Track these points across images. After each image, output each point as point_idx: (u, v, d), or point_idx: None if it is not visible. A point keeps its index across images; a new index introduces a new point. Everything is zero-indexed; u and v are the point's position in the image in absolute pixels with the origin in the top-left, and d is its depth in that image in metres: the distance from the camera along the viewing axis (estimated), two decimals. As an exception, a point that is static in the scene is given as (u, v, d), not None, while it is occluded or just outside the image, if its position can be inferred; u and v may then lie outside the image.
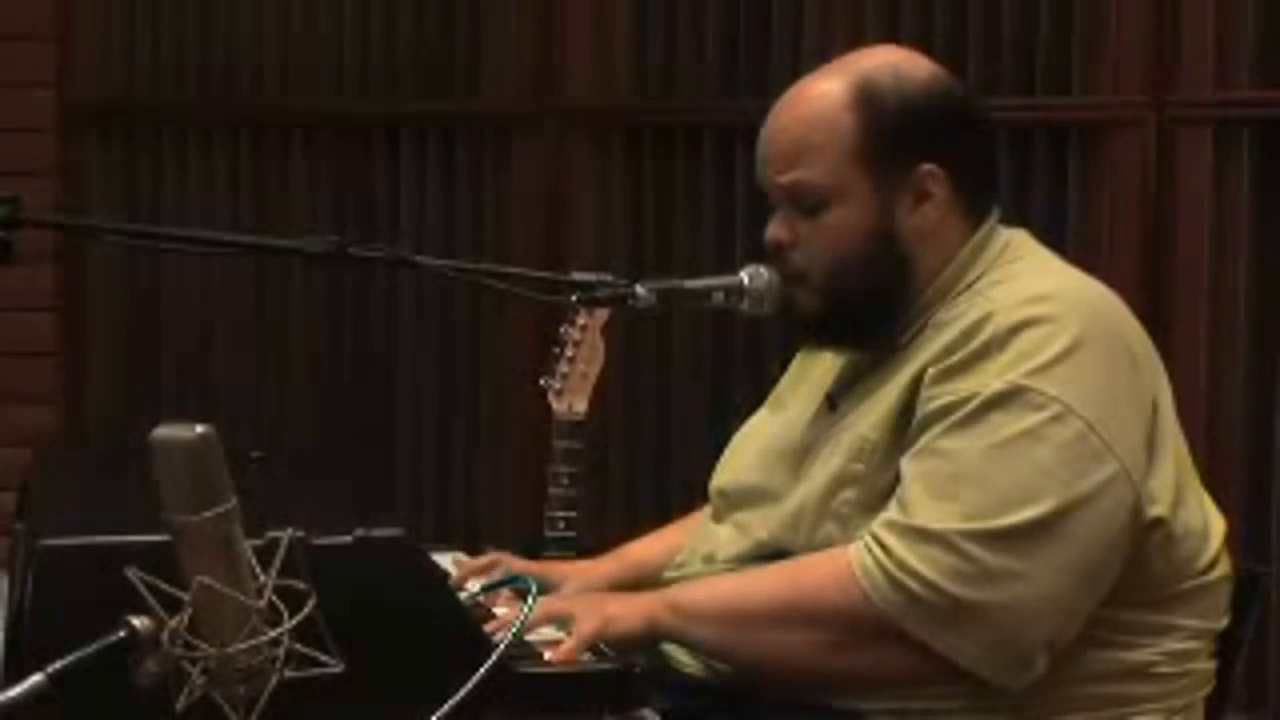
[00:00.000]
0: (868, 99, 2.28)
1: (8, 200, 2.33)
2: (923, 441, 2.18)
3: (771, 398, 2.55)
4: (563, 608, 2.22)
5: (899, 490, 2.17)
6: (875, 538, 2.15)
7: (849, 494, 2.24)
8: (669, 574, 2.45)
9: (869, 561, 2.14)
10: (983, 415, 2.15)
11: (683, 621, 2.24)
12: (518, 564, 2.52)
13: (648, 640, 2.27)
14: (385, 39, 4.76)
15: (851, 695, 2.19)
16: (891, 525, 2.15)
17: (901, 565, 2.12)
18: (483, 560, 2.53)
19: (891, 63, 2.33)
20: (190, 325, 4.89)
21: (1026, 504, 2.12)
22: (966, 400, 2.16)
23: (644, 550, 2.62)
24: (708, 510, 2.52)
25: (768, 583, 2.24)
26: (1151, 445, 2.20)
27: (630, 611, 2.24)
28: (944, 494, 2.13)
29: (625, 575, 2.54)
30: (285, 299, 4.84)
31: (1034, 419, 2.14)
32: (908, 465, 2.18)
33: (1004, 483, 2.13)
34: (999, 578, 2.11)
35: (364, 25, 4.77)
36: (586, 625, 2.16)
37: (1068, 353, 2.16)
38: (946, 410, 2.17)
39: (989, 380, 2.16)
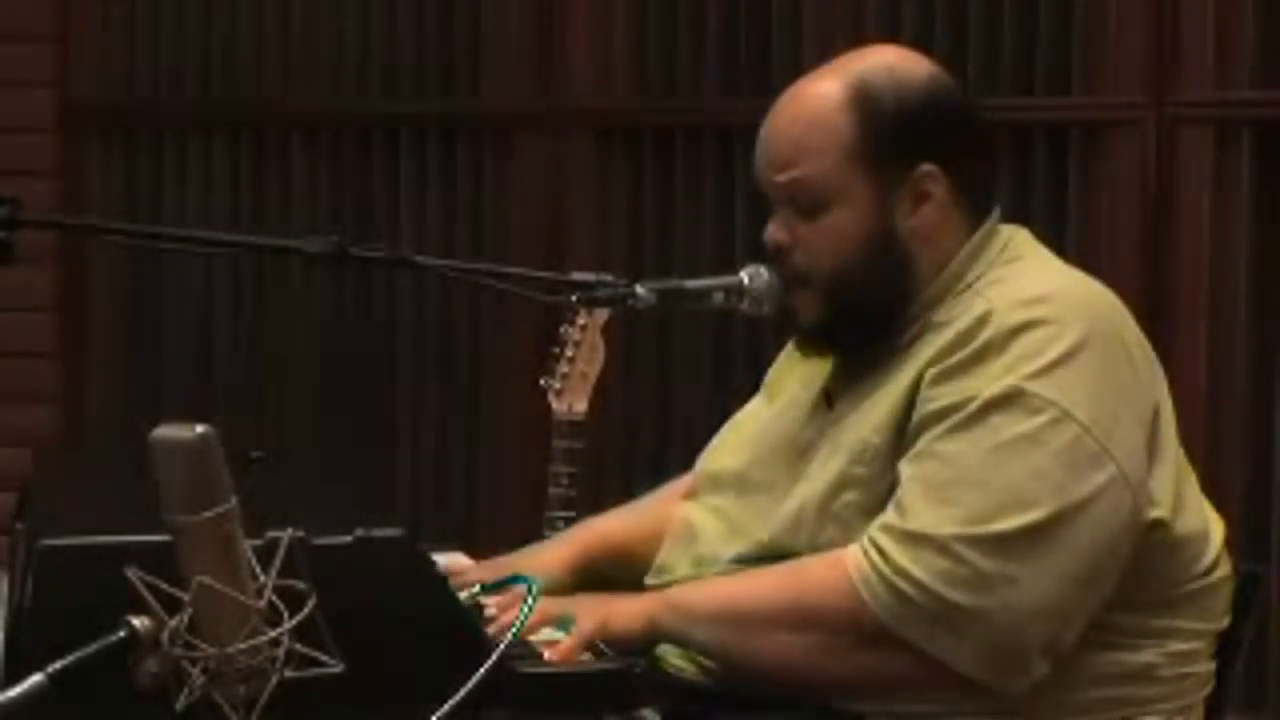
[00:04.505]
0: (865, 100, 2.27)
1: (8, 200, 2.33)
2: (921, 444, 2.17)
3: (765, 385, 2.54)
4: (562, 608, 2.22)
5: (897, 493, 2.17)
6: (872, 542, 2.14)
7: (850, 497, 2.23)
8: (650, 581, 2.43)
9: (865, 566, 2.13)
10: (981, 418, 2.14)
11: (683, 621, 2.24)
12: (463, 564, 2.49)
13: (648, 639, 2.26)
14: (385, 39, 4.76)
15: (850, 698, 2.19)
16: (888, 529, 2.14)
17: (897, 570, 2.11)
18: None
19: (889, 63, 2.32)
20: (190, 325, 4.89)
21: (1022, 509, 2.11)
22: (965, 403, 2.15)
23: (603, 527, 2.58)
24: (678, 510, 2.49)
25: (768, 585, 2.23)
26: (1151, 447, 2.19)
27: (630, 611, 2.25)
28: (941, 498, 2.12)
29: (590, 555, 2.50)
30: (285, 299, 4.84)
31: (1031, 423, 2.13)
32: (905, 467, 2.17)
33: (1000, 487, 2.12)
34: (994, 583, 2.10)
35: (364, 25, 4.77)
36: (586, 624, 2.17)
37: (1067, 356, 2.15)
38: (944, 413, 2.16)
39: (987, 382, 2.15)
